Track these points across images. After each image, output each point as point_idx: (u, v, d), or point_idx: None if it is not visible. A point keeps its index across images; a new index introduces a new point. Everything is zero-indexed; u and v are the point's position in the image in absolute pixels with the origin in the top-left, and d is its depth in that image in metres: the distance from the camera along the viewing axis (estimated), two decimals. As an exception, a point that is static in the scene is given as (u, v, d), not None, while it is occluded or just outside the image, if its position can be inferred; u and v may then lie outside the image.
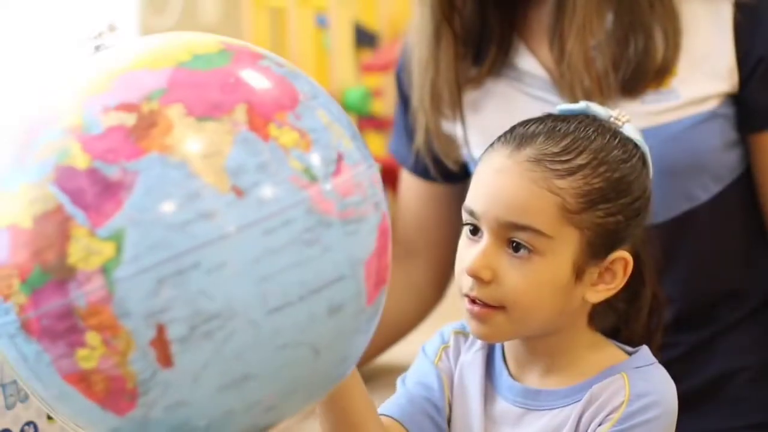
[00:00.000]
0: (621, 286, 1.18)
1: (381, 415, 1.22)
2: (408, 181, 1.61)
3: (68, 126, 0.93)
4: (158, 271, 0.89)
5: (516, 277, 1.13)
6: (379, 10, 3.82)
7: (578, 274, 1.15)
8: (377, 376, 1.63)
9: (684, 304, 1.38)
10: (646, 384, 1.15)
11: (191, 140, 0.91)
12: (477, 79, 1.44)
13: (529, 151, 1.15)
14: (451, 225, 1.61)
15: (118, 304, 0.90)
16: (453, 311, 1.35)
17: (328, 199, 0.95)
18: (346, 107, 3.40)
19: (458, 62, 1.42)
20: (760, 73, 1.38)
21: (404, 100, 1.57)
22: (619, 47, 1.35)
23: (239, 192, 0.91)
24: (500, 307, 1.15)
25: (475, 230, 1.16)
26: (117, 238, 0.90)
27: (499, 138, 1.19)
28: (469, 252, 1.16)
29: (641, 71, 1.36)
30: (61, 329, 0.90)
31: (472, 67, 1.45)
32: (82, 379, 0.92)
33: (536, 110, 1.37)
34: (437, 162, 1.51)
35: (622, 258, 1.17)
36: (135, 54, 0.98)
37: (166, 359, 0.91)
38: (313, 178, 0.95)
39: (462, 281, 1.17)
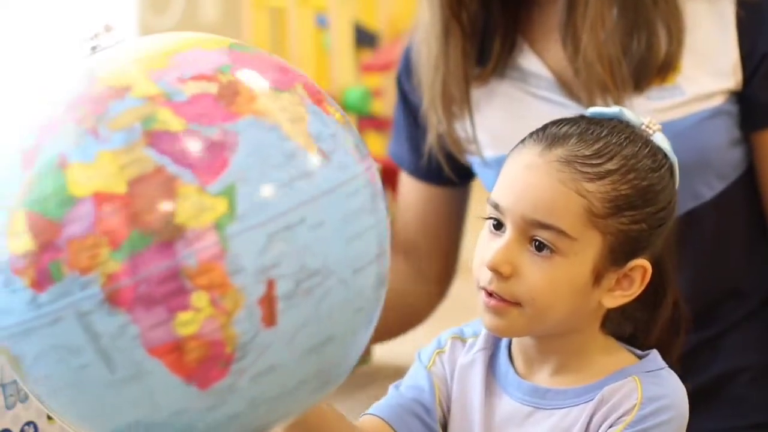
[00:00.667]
0: (637, 293, 1.17)
1: (369, 414, 1.22)
2: (408, 183, 1.61)
3: (145, 95, 0.93)
4: (268, 227, 0.91)
5: (536, 276, 1.13)
6: (379, 10, 3.82)
7: (597, 278, 1.14)
8: (377, 376, 1.63)
9: (687, 304, 1.38)
10: (658, 388, 1.14)
11: (276, 107, 0.94)
12: (481, 78, 1.44)
13: (560, 151, 1.15)
14: (453, 226, 1.61)
15: (231, 260, 0.90)
16: (453, 314, 1.35)
17: (375, 174, 1.01)
18: (346, 107, 3.41)
19: (467, 60, 1.42)
20: (763, 71, 1.37)
21: (405, 102, 1.57)
22: (624, 43, 1.36)
23: (324, 155, 0.95)
24: (516, 303, 1.14)
25: (498, 225, 1.16)
26: (228, 194, 0.91)
27: (531, 135, 1.18)
28: (490, 246, 1.16)
29: (645, 67, 1.36)
30: (162, 294, 0.89)
31: (476, 66, 1.45)
32: (174, 349, 0.90)
33: (542, 110, 1.38)
34: (451, 159, 1.51)
35: (642, 266, 1.17)
36: (173, 40, 1.00)
37: (271, 317, 0.91)
38: (363, 155, 1.00)
39: (480, 274, 1.16)
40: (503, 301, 1.15)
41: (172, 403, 0.92)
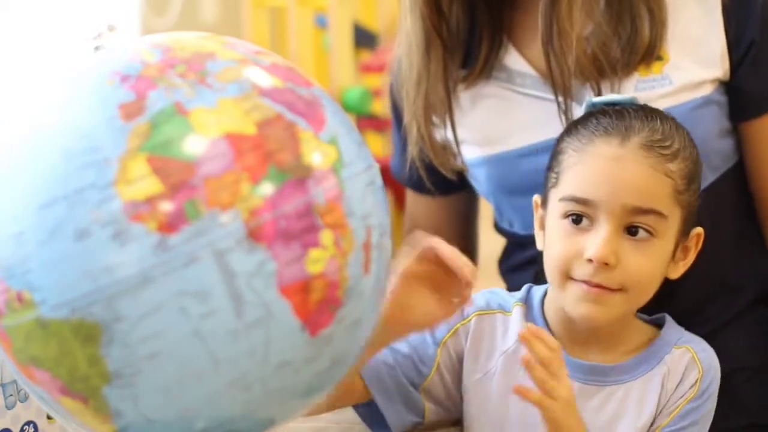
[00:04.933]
0: (693, 260, 1.26)
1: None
2: (410, 197, 1.62)
3: (233, 59, 0.97)
4: (363, 178, 0.98)
5: (639, 260, 1.19)
6: (378, 10, 3.82)
7: (675, 251, 1.24)
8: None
9: (677, 300, 1.38)
10: (706, 355, 1.25)
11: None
12: (468, 80, 1.44)
13: (637, 140, 1.21)
14: (464, 230, 1.62)
15: (347, 202, 0.95)
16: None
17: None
18: (346, 107, 3.40)
19: (447, 72, 1.43)
20: (750, 58, 1.37)
21: (398, 117, 1.57)
22: (610, 28, 1.36)
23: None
24: (619, 290, 1.20)
25: (578, 219, 1.21)
26: (335, 143, 0.97)
27: (593, 131, 1.23)
28: (576, 240, 1.21)
29: (630, 53, 1.36)
30: (299, 229, 0.91)
31: (461, 69, 1.45)
32: (302, 289, 0.92)
33: (530, 107, 1.39)
34: (431, 172, 1.50)
35: (698, 233, 1.26)
36: (189, 38, 1.02)
37: (367, 265, 0.96)
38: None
39: (573, 268, 1.20)
40: (607, 289, 1.20)
41: (281, 352, 0.92)
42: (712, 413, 1.24)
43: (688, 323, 1.31)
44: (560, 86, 1.38)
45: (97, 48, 1.08)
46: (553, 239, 1.24)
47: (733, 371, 1.35)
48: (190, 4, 3.33)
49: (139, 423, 0.93)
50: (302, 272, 0.92)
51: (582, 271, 1.20)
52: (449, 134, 1.46)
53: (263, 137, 0.92)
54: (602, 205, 1.20)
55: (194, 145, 0.91)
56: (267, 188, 0.91)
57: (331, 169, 0.95)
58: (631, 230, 1.20)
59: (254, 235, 0.90)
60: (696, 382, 1.23)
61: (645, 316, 1.29)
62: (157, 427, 0.94)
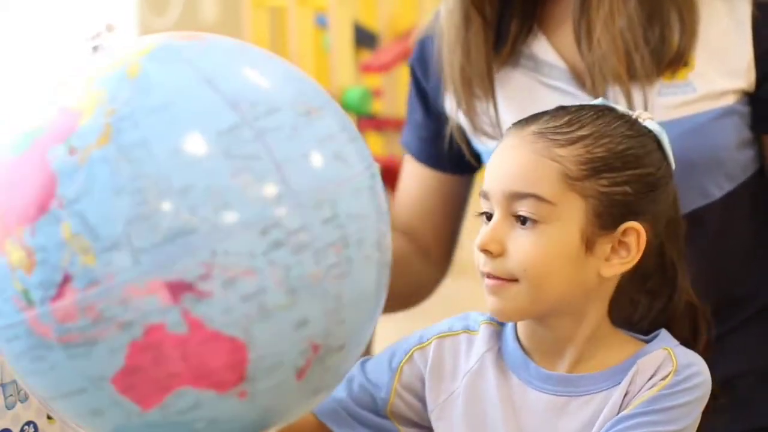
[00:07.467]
0: (636, 259, 1.18)
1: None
2: (412, 168, 1.61)
3: None
4: None
5: (524, 246, 1.15)
6: (379, 10, 3.82)
7: (588, 245, 1.16)
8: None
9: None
10: (690, 356, 1.18)
11: None
12: (495, 63, 1.45)
13: (533, 127, 1.19)
14: (454, 212, 1.62)
15: None
16: (447, 313, 1.35)
17: (45, 323, 0.95)
18: (346, 107, 3.40)
19: (489, 46, 1.44)
20: None
21: (418, 89, 1.57)
22: (639, 33, 1.36)
23: None
24: (513, 280, 1.16)
25: (489, 216, 1.18)
26: None
27: (513, 125, 1.22)
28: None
29: (658, 58, 1.36)
30: None
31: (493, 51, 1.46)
32: None
33: (555, 100, 1.37)
34: (470, 143, 1.51)
35: (633, 228, 1.17)
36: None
37: None
38: (30, 302, 0.95)
39: (478, 260, 1.18)
40: (500, 279, 1.16)
41: None
42: (692, 412, 1.17)
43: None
44: (589, 81, 1.38)
45: (95, 48, 1.07)
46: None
47: (741, 374, 1.34)
48: (189, 4, 3.32)
49: None
50: None
51: (479, 261, 1.18)
52: (489, 109, 1.46)
53: None
54: (491, 194, 1.18)
55: None
56: None
57: None
58: (521, 219, 1.16)
59: None
60: (668, 374, 1.16)
61: (640, 336, 1.22)
62: None
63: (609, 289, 1.21)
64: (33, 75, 2.49)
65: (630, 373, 1.17)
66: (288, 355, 0.97)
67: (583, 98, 1.38)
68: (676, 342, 1.20)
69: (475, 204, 1.57)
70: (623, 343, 1.21)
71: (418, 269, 1.62)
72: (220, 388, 0.96)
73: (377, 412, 1.26)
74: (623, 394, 1.16)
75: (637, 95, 1.36)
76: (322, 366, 1.00)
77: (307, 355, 0.98)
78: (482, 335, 1.24)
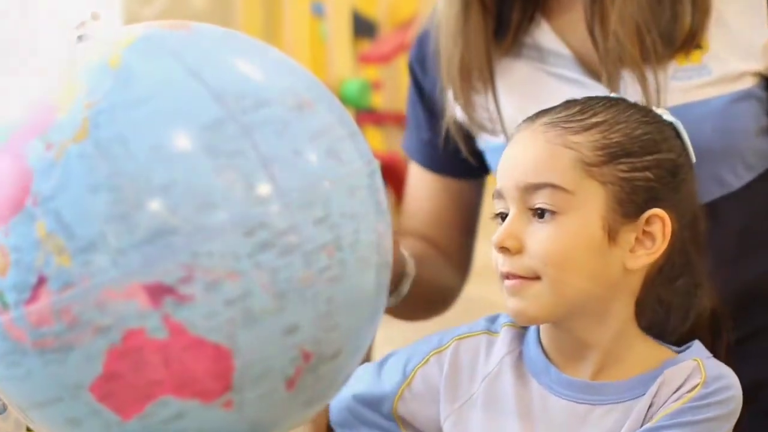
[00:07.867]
0: (662, 249, 1.14)
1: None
2: (420, 177, 1.59)
3: None
4: None
5: (543, 240, 1.12)
6: (378, -3, 3.84)
7: (611, 235, 1.13)
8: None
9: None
10: (720, 368, 1.14)
11: None
12: (497, 52, 1.44)
13: (544, 119, 1.16)
14: (467, 218, 1.58)
15: None
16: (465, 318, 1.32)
17: (19, 327, 0.92)
18: (344, 100, 3.39)
19: (489, 35, 1.43)
20: None
21: (418, 89, 1.55)
22: (651, 13, 1.35)
23: None
24: (535, 278, 1.13)
25: (505, 217, 1.15)
26: None
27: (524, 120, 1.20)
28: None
29: (669, 38, 1.35)
30: None
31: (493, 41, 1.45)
32: None
33: (561, 88, 1.36)
34: (469, 141, 1.49)
35: (657, 216, 1.14)
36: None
37: None
38: (5, 304, 0.93)
39: (496, 261, 1.15)
40: (519, 278, 1.13)
41: None
42: (720, 429, 1.13)
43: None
44: (602, 67, 1.36)
45: (80, 37, 1.04)
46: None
47: (762, 381, 1.32)
48: (179, -8, 3.29)
49: None
50: None
51: (497, 261, 1.14)
52: (489, 102, 1.44)
53: None
54: (505, 191, 1.15)
55: None
56: None
57: None
58: (538, 212, 1.12)
59: None
60: (696, 386, 1.12)
61: (672, 347, 1.19)
62: None
63: (634, 285, 1.17)
64: (15, 65, 2.51)
65: (656, 384, 1.13)
66: (277, 363, 0.93)
67: (590, 85, 1.36)
68: (708, 354, 1.17)
69: (489, 209, 1.56)
70: (651, 350, 1.18)
71: (448, 273, 1.60)
72: (205, 397, 0.93)
73: (383, 414, 1.24)
74: (648, 406, 1.13)
75: (650, 79, 1.33)
76: (314, 375, 0.96)
77: (297, 363, 0.94)
78: (503, 337, 1.21)
